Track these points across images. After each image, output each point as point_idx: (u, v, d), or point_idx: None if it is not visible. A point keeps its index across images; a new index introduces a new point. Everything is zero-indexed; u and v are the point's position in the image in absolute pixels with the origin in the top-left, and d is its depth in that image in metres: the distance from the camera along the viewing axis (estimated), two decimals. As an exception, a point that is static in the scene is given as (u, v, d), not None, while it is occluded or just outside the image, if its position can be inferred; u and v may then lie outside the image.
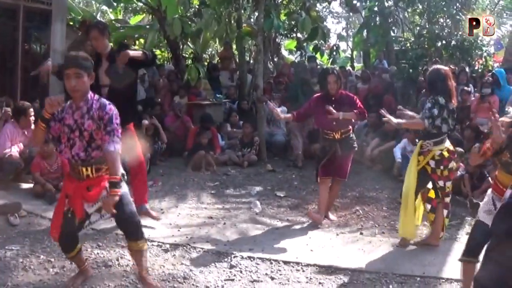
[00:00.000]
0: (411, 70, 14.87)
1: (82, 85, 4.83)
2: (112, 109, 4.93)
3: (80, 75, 4.81)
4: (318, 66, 17.86)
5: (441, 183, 6.84)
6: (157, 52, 19.97)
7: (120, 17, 21.38)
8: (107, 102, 4.98)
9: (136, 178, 7.55)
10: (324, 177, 8.02)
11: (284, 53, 23.04)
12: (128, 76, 7.13)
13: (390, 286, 5.92)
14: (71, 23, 15.24)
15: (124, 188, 5.07)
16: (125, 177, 5.20)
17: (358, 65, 22.47)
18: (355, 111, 7.76)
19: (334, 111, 7.65)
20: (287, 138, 13.35)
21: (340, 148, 7.88)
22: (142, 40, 19.47)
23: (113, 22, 18.86)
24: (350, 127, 8.10)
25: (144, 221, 6.81)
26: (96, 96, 5.01)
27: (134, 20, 20.55)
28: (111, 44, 7.62)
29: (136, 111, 8.91)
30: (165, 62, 20.31)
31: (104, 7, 22.18)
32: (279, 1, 15.89)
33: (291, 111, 8.67)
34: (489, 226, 4.53)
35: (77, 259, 5.49)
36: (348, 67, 19.75)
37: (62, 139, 4.96)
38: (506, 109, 10.88)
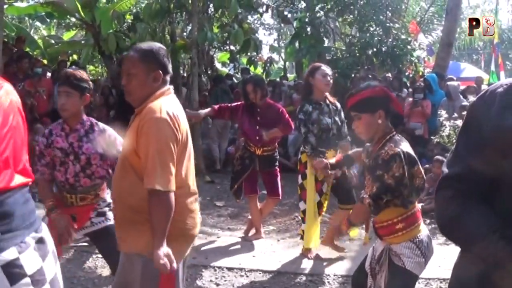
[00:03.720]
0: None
1: (71, 104, 4.52)
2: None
3: (70, 94, 4.48)
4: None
5: None
6: (91, 67, 19.87)
7: (53, 33, 21.21)
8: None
9: None
10: (251, 195, 7.76)
11: (218, 65, 23.12)
12: None
13: (333, 287, 6.10)
14: (5, 39, 15.07)
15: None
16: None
17: (291, 76, 22.71)
18: (279, 126, 7.37)
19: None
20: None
21: (259, 163, 7.60)
22: (75, 56, 19.36)
23: (47, 38, 18.74)
24: (276, 145, 7.80)
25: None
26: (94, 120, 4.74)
27: (67, 36, 20.39)
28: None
29: None
30: (99, 77, 20.15)
31: (38, 23, 22.03)
32: (212, 14, 15.99)
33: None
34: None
35: None
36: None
37: (56, 163, 4.61)
38: (439, 112, 11.24)
